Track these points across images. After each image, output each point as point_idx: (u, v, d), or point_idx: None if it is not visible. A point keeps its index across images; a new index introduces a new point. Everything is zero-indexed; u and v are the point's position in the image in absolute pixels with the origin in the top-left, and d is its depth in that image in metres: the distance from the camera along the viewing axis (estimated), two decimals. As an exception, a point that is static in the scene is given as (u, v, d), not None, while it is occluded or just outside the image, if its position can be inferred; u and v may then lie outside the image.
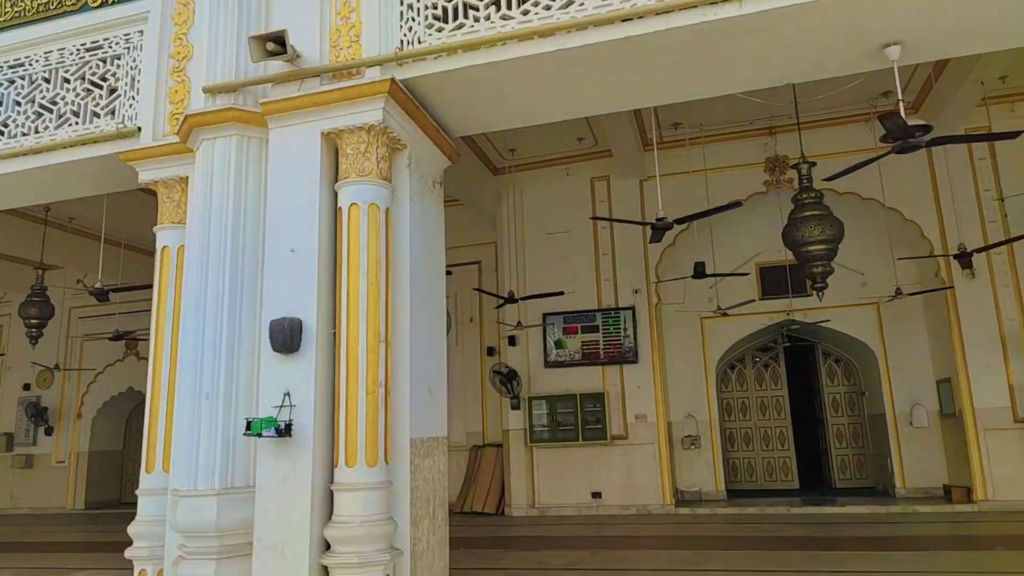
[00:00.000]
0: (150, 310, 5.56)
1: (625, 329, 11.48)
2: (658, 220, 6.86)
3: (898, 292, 9.73)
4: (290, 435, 4.41)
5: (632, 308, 11.51)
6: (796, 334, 12.72)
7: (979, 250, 9.20)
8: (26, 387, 16.62)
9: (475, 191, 12.06)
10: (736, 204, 7.12)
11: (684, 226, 11.21)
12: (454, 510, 12.04)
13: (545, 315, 11.83)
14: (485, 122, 5.68)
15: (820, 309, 11.43)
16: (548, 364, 11.72)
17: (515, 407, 11.67)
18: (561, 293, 10.56)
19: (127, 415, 16.94)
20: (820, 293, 7.85)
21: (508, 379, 11.59)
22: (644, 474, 11.05)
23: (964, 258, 9.15)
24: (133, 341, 16.02)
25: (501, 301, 10.61)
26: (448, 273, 11.12)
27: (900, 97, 4.55)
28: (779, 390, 13.32)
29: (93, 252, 11.53)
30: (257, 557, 4.42)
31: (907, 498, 10.93)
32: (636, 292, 11.56)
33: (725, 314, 10.62)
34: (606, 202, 11.93)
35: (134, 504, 5.25)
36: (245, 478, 4.71)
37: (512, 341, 11.93)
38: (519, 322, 11.28)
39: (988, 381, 10.00)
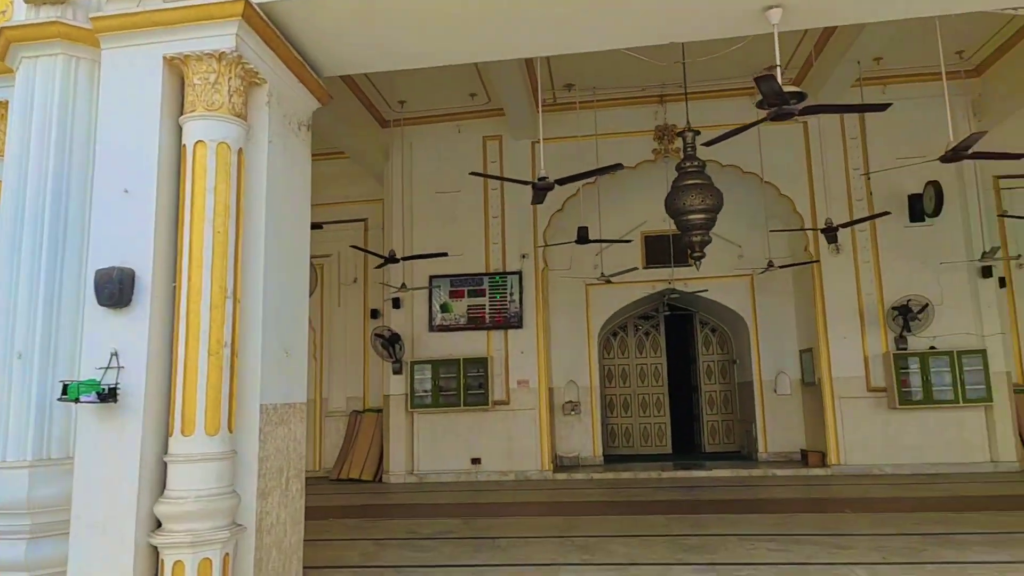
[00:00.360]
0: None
1: (511, 294, 11.33)
2: (540, 180, 6.63)
3: (770, 265, 10.09)
4: (115, 400, 3.88)
5: (519, 273, 11.37)
6: (676, 303, 13.03)
7: (843, 225, 9.63)
8: None
9: (362, 144, 11.44)
10: (618, 166, 7.00)
11: (573, 192, 11.21)
12: (330, 477, 11.65)
13: (431, 277, 11.49)
14: (358, 61, 5.22)
15: (699, 279, 11.73)
16: (433, 328, 11.42)
17: (397, 372, 11.32)
18: (445, 254, 10.23)
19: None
20: (698, 262, 7.95)
21: (391, 343, 11.20)
22: (524, 440, 11.04)
23: (830, 233, 9.55)
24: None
25: (382, 261, 10.15)
26: (318, 227, 10.54)
27: (778, 63, 4.51)
28: (658, 358, 13.67)
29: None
30: (75, 537, 3.90)
31: (768, 462, 11.53)
32: (524, 257, 11.41)
33: (609, 281, 10.67)
34: (497, 162, 11.65)
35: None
36: (64, 448, 4.16)
37: (396, 304, 11.53)
38: (403, 284, 10.88)
39: (846, 352, 10.61)
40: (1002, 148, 7.66)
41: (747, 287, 12.14)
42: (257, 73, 4.49)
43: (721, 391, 13.45)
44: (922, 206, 10.48)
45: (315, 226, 8.21)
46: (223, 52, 4.24)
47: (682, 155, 8.01)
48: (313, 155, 12.34)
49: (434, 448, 11.18)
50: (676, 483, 10.09)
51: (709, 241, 7.87)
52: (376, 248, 11.81)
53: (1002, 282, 10.71)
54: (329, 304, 12.91)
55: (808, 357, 11.34)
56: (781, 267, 10.19)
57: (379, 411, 11.82)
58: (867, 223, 10.49)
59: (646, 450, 13.32)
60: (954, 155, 6.18)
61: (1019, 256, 10.86)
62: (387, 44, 4.89)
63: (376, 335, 11.19)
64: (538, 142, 11.42)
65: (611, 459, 12.48)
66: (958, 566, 5.08)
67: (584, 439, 12.14)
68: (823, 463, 10.60)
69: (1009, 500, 7.97)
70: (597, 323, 12.40)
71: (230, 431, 4.08)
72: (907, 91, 10.12)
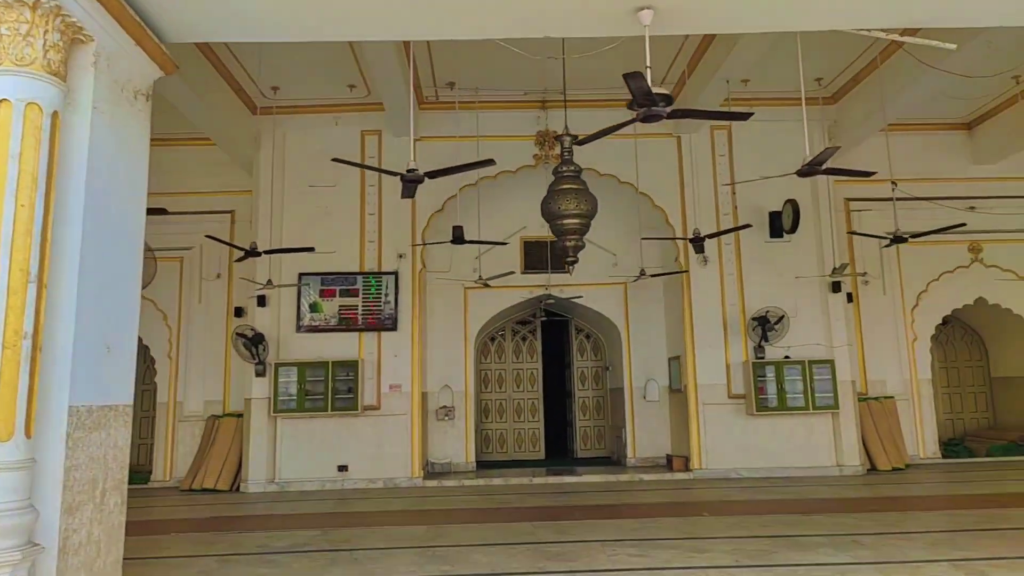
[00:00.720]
0: None
1: (386, 295, 10.94)
2: (408, 171, 6.34)
3: (642, 273, 10.29)
4: None
5: (396, 273, 11.00)
6: (553, 309, 13.11)
7: (710, 236, 9.97)
8: None
9: (230, 130, 10.70)
10: (489, 162, 6.82)
11: (453, 192, 11.01)
12: (181, 488, 10.76)
13: (301, 275, 10.89)
14: (208, 28, 4.75)
15: (575, 285, 11.86)
16: (301, 328, 10.83)
17: (260, 374, 10.62)
18: (311, 249, 9.67)
19: None
20: (571, 267, 7.94)
21: (253, 343, 10.50)
22: (395, 446, 10.66)
23: (697, 243, 9.86)
24: None
25: (243, 254, 9.49)
26: (160, 212, 9.71)
27: (648, 65, 4.49)
28: (534, 363, 13.69)
29: None
30: None
31: (636, 467, 11.77)
32: (401, 257, 11.05)
33: (487, 285, 10.52)
34: (376, 158, 11.23)
35: None
36: None
37: (261, 301, 10.84)
38: (269, 281, 10.23)
39: (710, 359, 11.01)
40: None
41: (621, 295, 12.38)
42: (82, 29, 3.96)
43: (594, 397, 13.64)
44: (781, 223, 11.07)
45: (157, 211, 7.57)
46: (38, 0, 3.69)
47: (560, 160, 8.00)
48: (176, 140, 11.57)
49: (298, 455, 10.58)
50: (546, 489, 10.05)
51: (583, 246, 7.88)
52: (244, 243, 11.06)
53: (849, 297, 11.51)
54: (189, 300, 11.97)
55: (676, 364, 11.69)
56: (653, 275, 10.43)
57: (240, 416, 11.05)
58: (732, 236, 10.97)
59: (520, 455, 13.27)
60: (809, 169, 6.48)
61: (864, 273, 11.71)
62: (240, 10, 4.46)
63: (238, 335, 10.47)
64: (420, 140, 11.23)
65: (484, 465, 12.33)
66: (805, 568, 5.25)
67: (457, 445, 11.91)
68: (686, 467, 10.92)
69: (852, 503, 8.48)
70: (474, 327, 12.23)
71: (27, 436, 3.52)
72: (771, 113, 10.63)
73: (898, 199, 10.20)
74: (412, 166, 6.23)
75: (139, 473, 11.71)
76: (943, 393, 13.70)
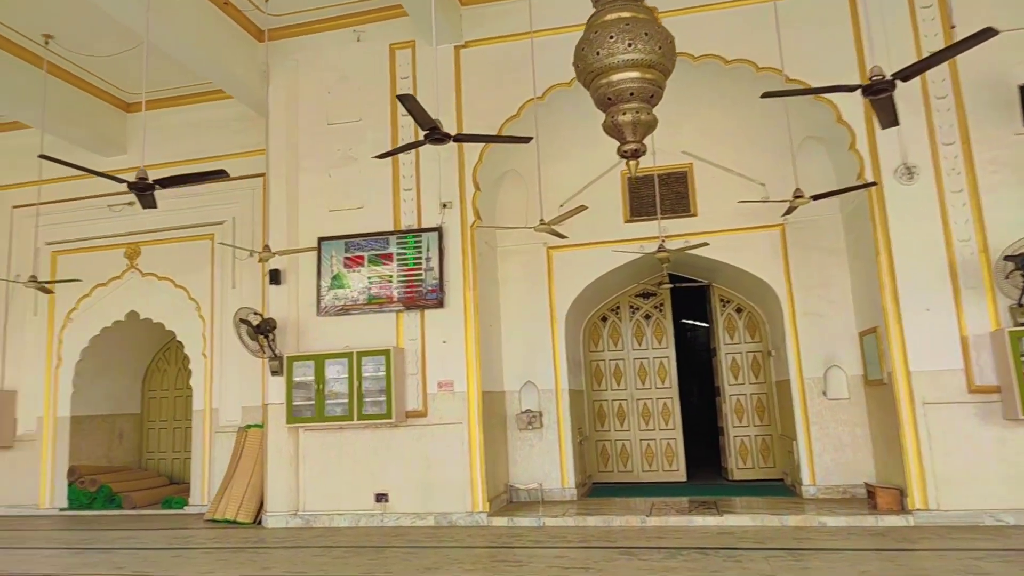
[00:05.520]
0: None
1: (428, 260, 8.00)
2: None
3: (797, 196, 6.34)
4: None
5: (439, 229, 8.03)
6: (681, 273, 9.41)
7: (909, 72, 5.85)
8: None
9: (234, 67, 8.41)
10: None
11: (510, 113, 7.88)
12: (206, 517, 8.60)
13: (321, 240, 8.30)
14: None
15: (700, 234, 8.16)
16: (322, 311, 8.21)
17: (276, 372, 8.17)
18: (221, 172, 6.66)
19: None
20: (634, 166, 4.41)
21: (262, 331, 8.07)
22: (447, 468, 7.68)
23: (878, 93, 5.41)
24: None
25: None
26: (219, 175, 7.68)
27: None
28: (664, 349, 10.04)
29: None
30: None
31: (816, 500, 7.76)
32: (445, 207, 8.06)
33: (556, 232, 7.14)
34: (410, 78, 8.37)
35: None
36: None
37: (274, 278, 8.39)
38: (266, 247, 7.68)
39: (930, 331, 6.77)
40: None
41: (776, 243, 8.42)
42: None
43: (754, 394, 9.69)
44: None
45: (214, 174, 5.09)
46: None
47: None
48: (189, 96, 9.53)
49: (325, 479, 7.96)
50: (665, 539, 6.48)
51: (652, 122, 4.32)
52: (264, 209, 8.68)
53: None
54: (222, 285, 9.90)
55: (871, 342, 7.52)
56: (816, 197, 6.43)
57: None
58: (955, 129, 6.74)
59: (651, 476, 9.73)
60: None
61: None
62: None
63: (241, 321, 8.06)
64: (464, 46, 8.21)
65: (600, 489, 9.04)
66: None
67: (548, 463, 8.65)
68: (901, 506, 6.79)
69: None
70: (563, 301, 8.91)
71: None
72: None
73: None
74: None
75: (179, 495, 9.84)
76: None
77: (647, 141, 4.45)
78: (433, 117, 4.80)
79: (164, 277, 10.08)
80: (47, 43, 8.48)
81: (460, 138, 4.71)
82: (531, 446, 8.69)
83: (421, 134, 4.75)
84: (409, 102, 4.16)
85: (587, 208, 6.81)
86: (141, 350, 11.31)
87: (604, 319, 10.15)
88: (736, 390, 9.74)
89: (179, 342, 10.09)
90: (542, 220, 6.94)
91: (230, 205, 9.92)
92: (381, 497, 7.78)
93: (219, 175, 5.00)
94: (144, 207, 5.40)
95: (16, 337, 10.39)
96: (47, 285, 8.71)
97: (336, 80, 8.51)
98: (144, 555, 6.67)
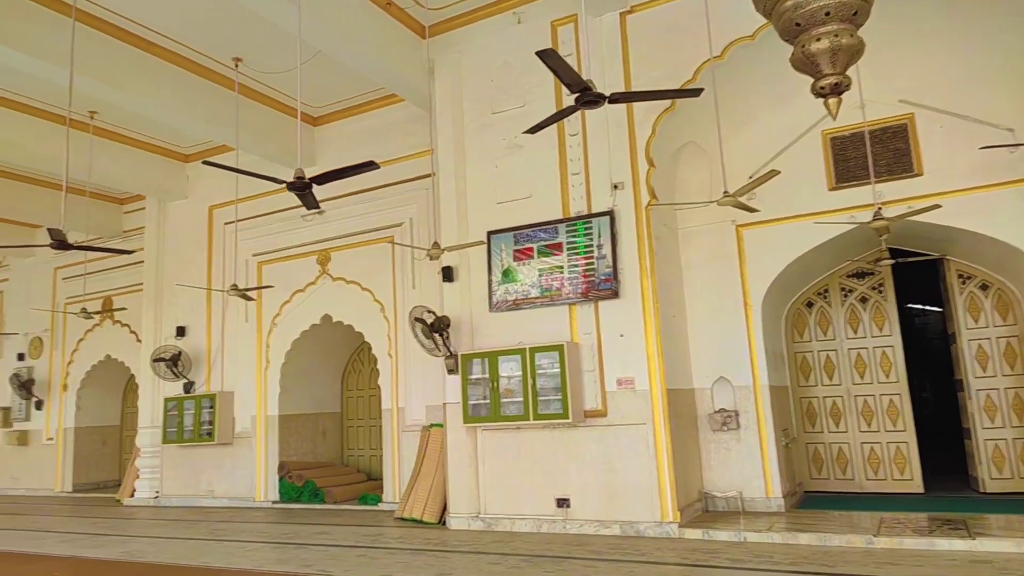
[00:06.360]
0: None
1: (600, 247, 7.39)
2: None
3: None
4: None
5: (610, 213, 7.38)
6: (902, 245, 7.92)
7: None
8: (20, 357, 15.40)
9: (401, 68, 8.44)
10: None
11: (686, 77, 7.05)
12: (396, 515, 8.73)
13: (490, 234, 8.02)
14: None
15: (925, 197, 6.74)
16: (493, 306, 7.92)
17: (452, 370, 8.03)
18: (373, 165, 6.32)
19: (121, 387, 15.26)
20: (835, 103, 3.47)
21: (436, 330, 7.96)
22: (631, 473, 7.02)
23: None
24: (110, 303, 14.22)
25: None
26: (369, 167, 7.67)
27: None
28: (887, 337, 8.55)
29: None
30: None
31: (1109, 524, 6.04)
32: (616, 188, 7.40)
33: (744, 206, 6.19)
34: (574, 55, 7.78)
35: None
36: None
37: (448, 275, 8.25)
38: (435, 244, 7.54)
39: None
40: None
41: (1032, 200, 6.73)
42: None
43: (1009, 388, 7.92)
44: None
45: (364, 166, 5.00)
46: None
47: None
48: (361, 106, 9.77)
49: (504, 481, 7.65)
50: (890, 568, 5.32)
51: (856, 50, 3.38)
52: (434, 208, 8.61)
53: None
54: (403, 286, 10.03)
55: None
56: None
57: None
58: None
59: (877, 486, 8.32)
60: None
61: None
62: None
63: (416, 320, 8.01)
64: (629, 12, 7.53)
65: (814, 500, 7.89)
66: None
67: (748, 469, 7.64)
68: None
69: None
70: (759, 286, 7.83)
71: None
72: None
73: None
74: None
75: (374, 492, 10.15)
76: None
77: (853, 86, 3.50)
78: (597, 89, 4.23)
79: (352, 281, 10.44)
80: (237, 66, 9.07)
81: (617, 98, 4.06)
82: (727, 449, 7.74)
83: (572, 99, 4.17)
84: (552, 59, 3.60)
85: (779, 173, 5.78)
86: (338, 352, 11.89)
87: (809, 304, 8.87)
88: (985, 384, 8.01)
89: (367, 343, 10.41)
90: (726, 192, 6.05)
91: (407, 207, 10.05)
92: (562, 502, 7.31)
93: (369, 167, 4.82)
94: (307, 207, 5.38)
95: (232, 343, 11.36)
96: (248, 292, 9.32)
97: (499, 67, 8.20)
98: (333, 552, 6.78)
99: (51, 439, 14.76)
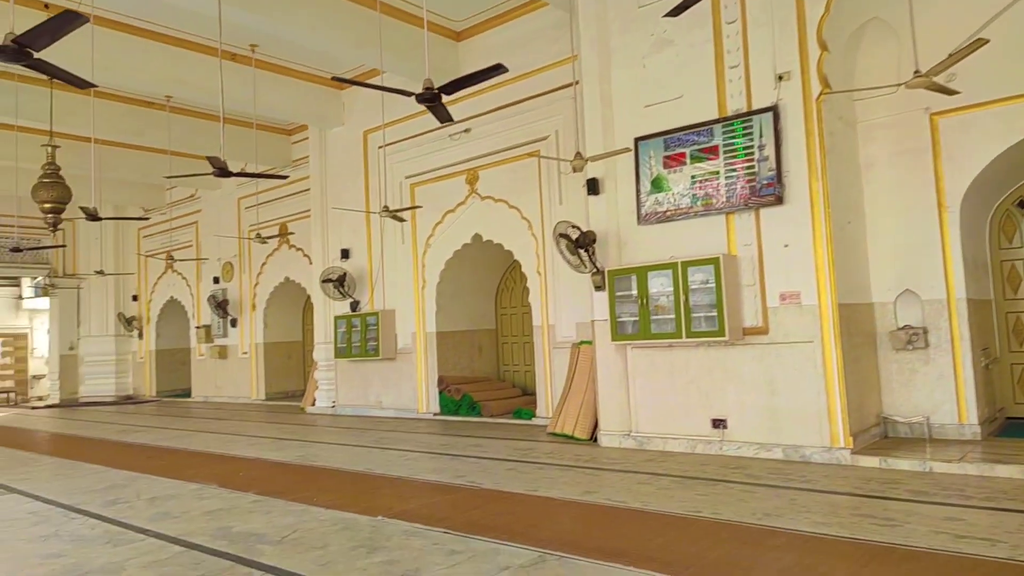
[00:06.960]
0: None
1: (762, 148, 6.63)
2: None
3: None
4: None
5: (774, 109, 6.56)
6: None
7: None
8: (215, 280, 17.14)
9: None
10: None
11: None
12: (548, 430, 8.81)
13: (637, 140, 7.47)
14: None
15: None
16: (642, 219, 7.45)
17: (599, 287, 7.74)
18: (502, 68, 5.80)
19: (300, 306, 16.59)
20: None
21: (581, 245, 7.67)
22: (796, 395, 6.45)
23: None
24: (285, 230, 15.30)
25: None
26: (497, 69, 7.55)
27: None
28: None
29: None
30: None
31: None
32: (781, 79, 6.53)
33: (944, 89, 5.17)
34: (729, -70, 6.85)
35: None
36: None
37: (593, 187, 7.86)
38: (577, 155, 7.14)
39: None
40: None
41: None
42: None
43: None
44: None
45: (493, 68, 4.82)
46: None
47: None
48: (510, 13, 9.42)
49: (656, 400, 7.37)
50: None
51: None
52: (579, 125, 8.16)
53: None
54: (550, 201, 9.77)
55: None
56: None
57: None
58: None
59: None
60: None
61: None
62: None
63: (560, 236, 7.74)
64: None
65: (1016, 428, 6.89)
66: None
67: (939, 392, 6.76)
68: None
69: None
70: (958, 184, 6.69)
71: None
72: None
73: None
74: None
75: (528, 407, 10.31)
76: None
77: None
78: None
79: (500, 199, 10.35)
80: (377, -17, 8.97)
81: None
82: (912, 371, 6.88)
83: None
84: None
85: (987, 42, 4.73)
86: (490, 270, 12.00)
87: (1022, 204, 7.51)
88: None
89: (517, 261, 10.35)
90: (917, 71, 5.08)
91: (552, 119, 9.67)
92: (719, 423, 6.92)
93: (497, 71, 4.54)
94: (440, 120, 5.23)
95: (390, 263, 11.80)
96: (399, 213, 9.50)
97: (643, -48, 7.43)
98: (484, 464, 6.92)
99: (245, 353, 16.47)
